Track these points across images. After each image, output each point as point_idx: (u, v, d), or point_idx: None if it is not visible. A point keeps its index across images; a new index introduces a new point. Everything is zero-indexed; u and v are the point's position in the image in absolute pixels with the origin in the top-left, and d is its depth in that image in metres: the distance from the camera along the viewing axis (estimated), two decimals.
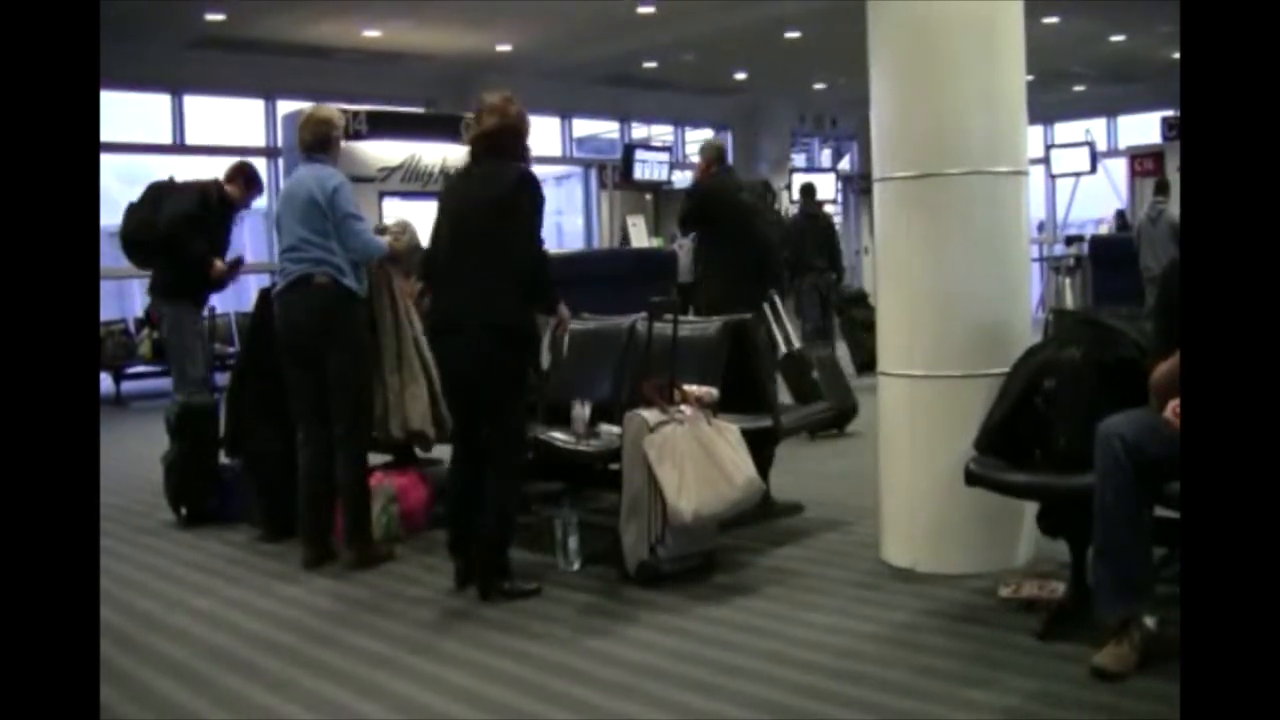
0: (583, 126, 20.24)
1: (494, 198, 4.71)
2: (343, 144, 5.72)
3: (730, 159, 21.47)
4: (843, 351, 12.84)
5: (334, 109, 5.78)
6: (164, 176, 7.81)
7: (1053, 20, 14.50)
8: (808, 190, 13.93)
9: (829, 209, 18.65)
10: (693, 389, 5.00)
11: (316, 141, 5.50)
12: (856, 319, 12.18)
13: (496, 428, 4.82)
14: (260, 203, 16.07)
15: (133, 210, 7.53)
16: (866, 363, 11.72)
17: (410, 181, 13.22)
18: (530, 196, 4.75)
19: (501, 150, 4.81)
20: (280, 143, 14.98)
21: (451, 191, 5.02)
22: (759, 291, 8.47)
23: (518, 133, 4.86)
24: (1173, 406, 3.54)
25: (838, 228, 15.25)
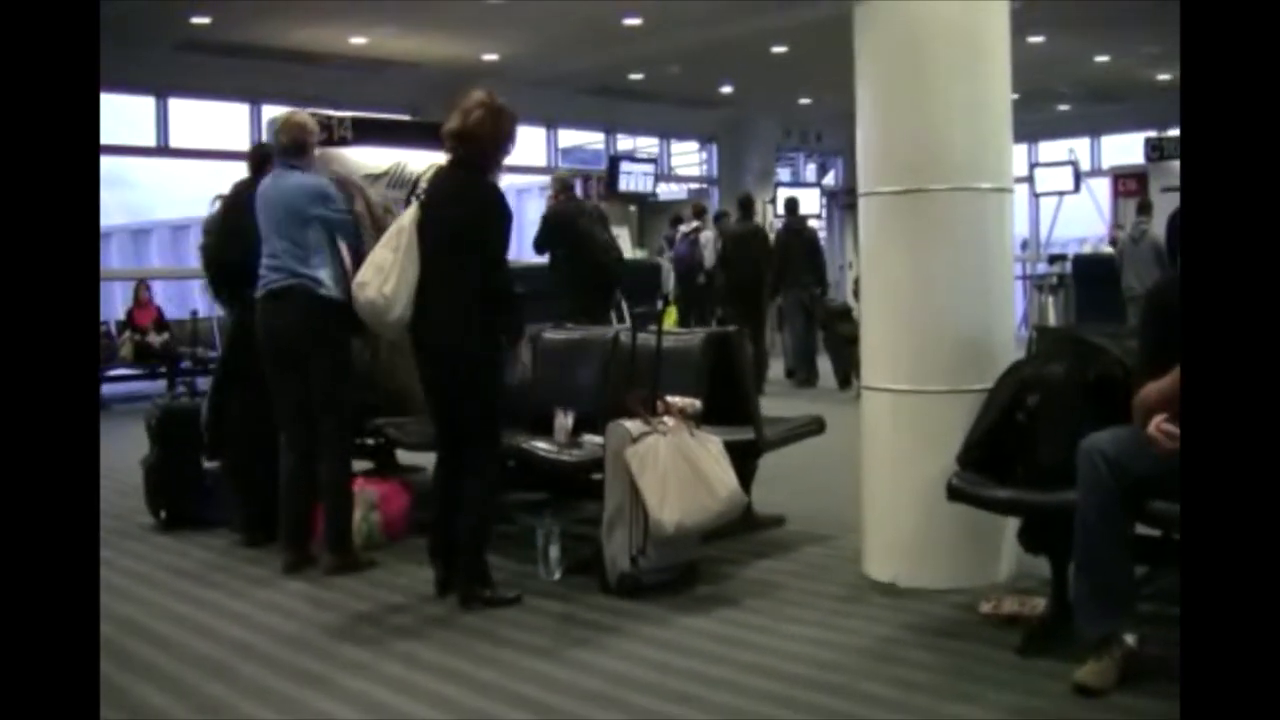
0: (568, 137, 20.26)
1: (458, 227, 4.71)
2: (329, 150, 5.69)
3: (714, 171, 21.64)
4: (826, 366, 12.94)
5: (308, 115, 5.75)
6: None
7: (1038, 40, 14.58)
8: (791, 205, 13.96)
9: (813, 224, 18.72)
10: (676, 400, 5.00)
11: (294, 146, 5.49)
12: (840, 333, 12.21)
13: (469, 435, 4.84)
14: None
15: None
16: (849, 376, 11.82)
17: (396, 189, 13.18)
18: (496, 220, 4.77)
19: (470, 162, 4.79)
20: None
21: (426, 201, 4.91)
22: (602, 302, 10.20)
23: (482, 148, 4.79)
24: (1156, 423, 3.55)
25: (822, 242, 15.29)
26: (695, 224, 14.13)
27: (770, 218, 17.61)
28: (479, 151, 4.79)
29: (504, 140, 4.84)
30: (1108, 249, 17.69)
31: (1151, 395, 3.64)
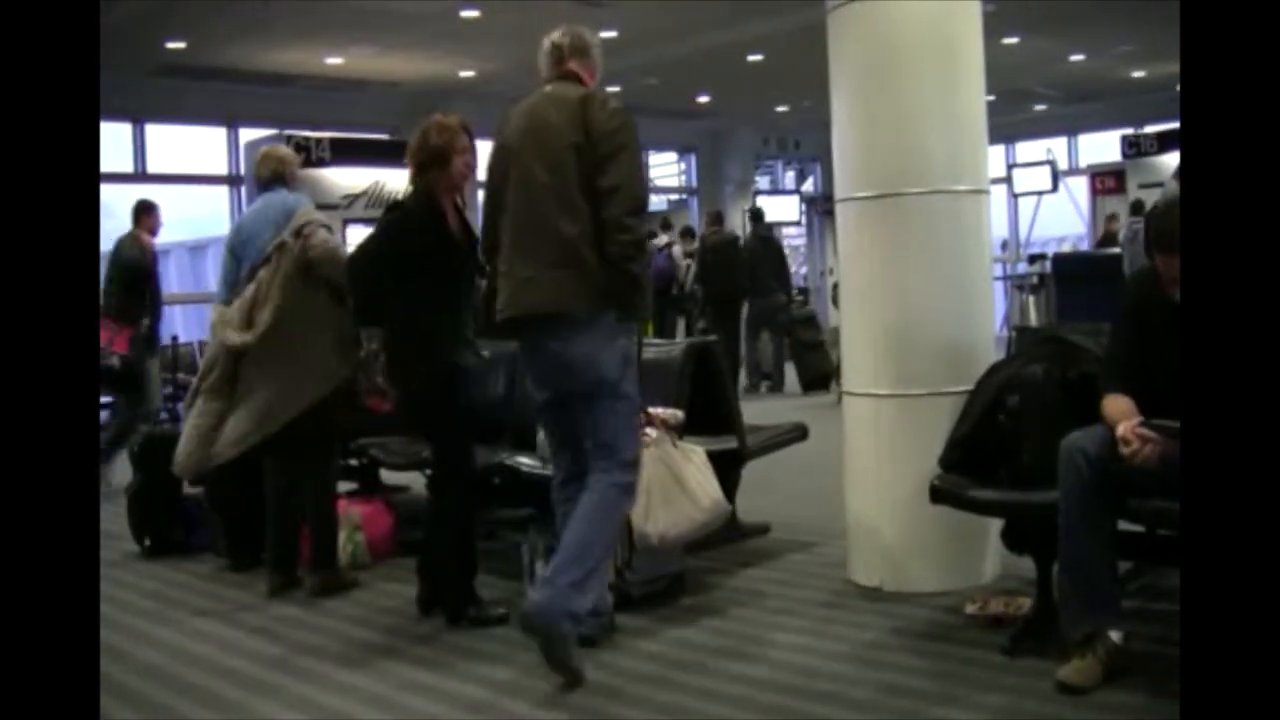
0: None
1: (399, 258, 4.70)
2: (306, 171, 5.74)
3: (694, 181, 21.64)
4: (791, 372, 13.16)
5: (287, 150, 5.95)
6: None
7: (1013, 40, 14.65)
8: (756, 214, 14.31)
9: (793, 230, 18.81)
10: (658, 411, 4.99)
11: (273, 177, 5.61)
12: (802, 340, 12.58)
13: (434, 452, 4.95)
14: (222, 229, 16.04)
15: None
16: (812, 381, 12.11)
17: (374, 208, 13.17)
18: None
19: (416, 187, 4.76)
20: (242, 171, 14.95)
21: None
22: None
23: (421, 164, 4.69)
24: (1130, 427, 3.58)
25: (801, 250, 15.46)
26: (666, 238, 14.33)
27: (746, 226, 17.74)
28: (431, 177, 4.75)
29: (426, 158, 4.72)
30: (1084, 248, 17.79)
31: (1111, 412, 3.69)
